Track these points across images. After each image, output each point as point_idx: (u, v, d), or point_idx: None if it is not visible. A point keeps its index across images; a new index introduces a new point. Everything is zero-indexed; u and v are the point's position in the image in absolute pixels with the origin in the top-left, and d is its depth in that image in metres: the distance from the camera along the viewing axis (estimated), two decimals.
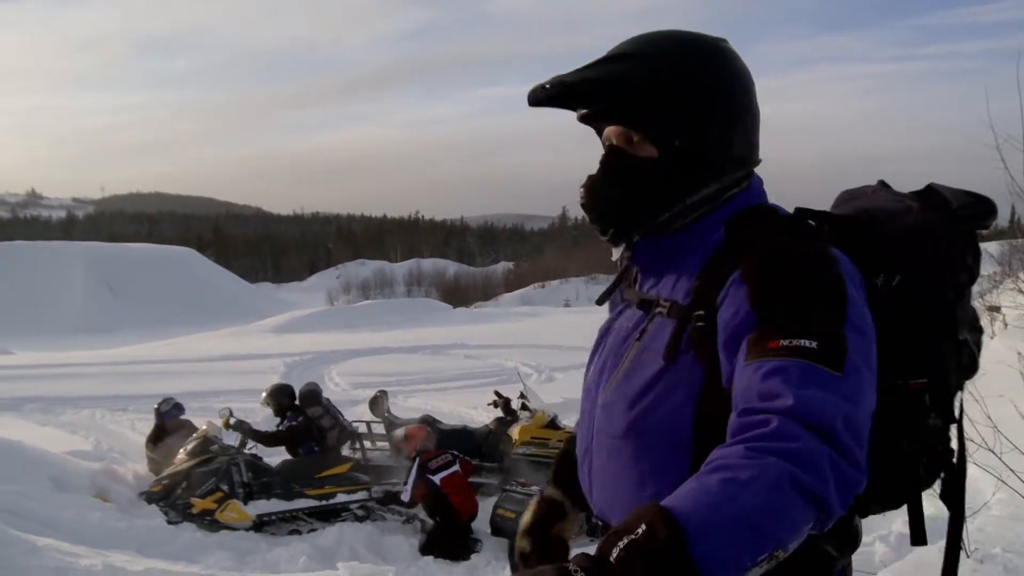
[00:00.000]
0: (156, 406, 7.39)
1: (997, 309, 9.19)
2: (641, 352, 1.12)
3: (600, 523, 1.21)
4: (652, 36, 1.15)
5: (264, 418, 7.45)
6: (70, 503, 5.56)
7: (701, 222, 1.13)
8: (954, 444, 1.17)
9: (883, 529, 4.23)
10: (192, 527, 5.74)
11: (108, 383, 12.07)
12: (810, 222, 1.16)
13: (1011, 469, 3.54)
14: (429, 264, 75.02)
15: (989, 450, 3.50)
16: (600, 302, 1.35)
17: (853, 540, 1.12)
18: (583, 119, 1.18)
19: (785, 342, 0.92)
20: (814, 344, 0.91)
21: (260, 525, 5.93)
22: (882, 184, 1.28)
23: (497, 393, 7.37)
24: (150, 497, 6.05)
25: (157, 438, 7.02)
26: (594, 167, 1.19)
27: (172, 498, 6.00)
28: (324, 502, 6.14)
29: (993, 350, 7.73)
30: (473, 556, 5.47)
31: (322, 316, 25.94)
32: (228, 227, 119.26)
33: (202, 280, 43.53)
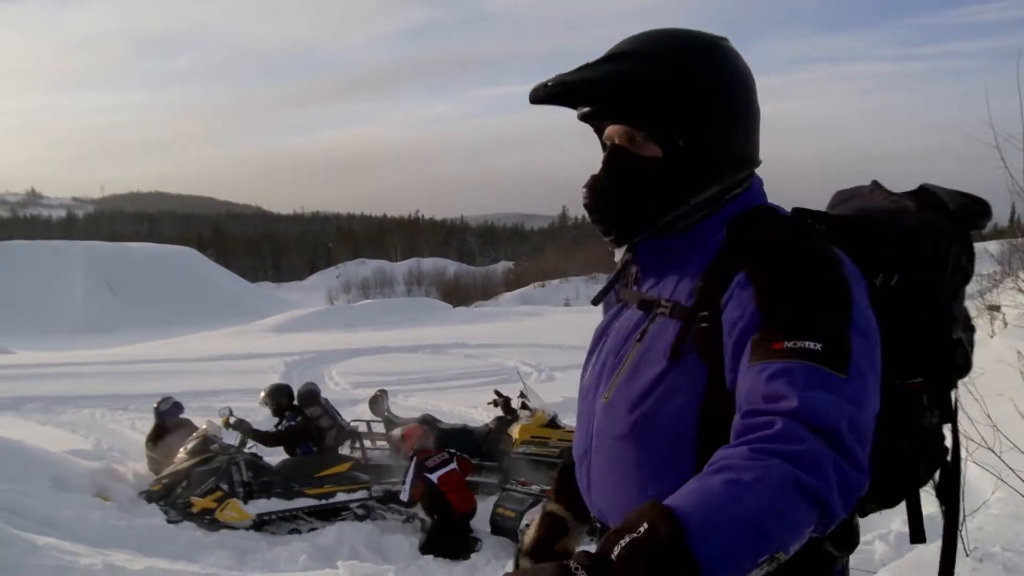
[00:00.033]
0: (155, 405, 7.39)
1: (997, 308, 9.20)
2: (643, 353, 1.11)
3: (599, 525, 1.20)
4: (654, 34, 1.14)
5: (264, 417, 7.45)
6: (70, 502, 5.56)
7: (703, 222, 1.13)
8: (948, 442, 1.17)
9: (883, 528, 4.23)
10: (192, 526, 5.74)
11: (108, 382, 12.07)
12: (809, 222, 1.16)
13: (1010, 468, 3.54)
14: (429, 263, 75.02)
15: (989, 449, 3.51)
16: (596, 302, 1.35)
17: (852, 539, 1.12)
18: (584, 117, 1.17)
19: (790, 344, 0.92)
20: (818, 346, 0.91)
21: (260, 524, 5.93)
22: (875, 184, 1.28)
23: (497, 392, 7.37)
24: (150, 496, 6.05)
25: (157, 437, 7.02)
26: (594, 167, 1.18)
27: (172, 497, 6.00)
28: (324, 501, 6.15)
29: (993, 349, 7.73)
30: (473, 555, 5.47)
31: (322, 315, 25.94)
32: (228, 226, 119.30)
33: (202, 279, 43.53)
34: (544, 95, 1.12)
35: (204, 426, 6.64)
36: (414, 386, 11.70)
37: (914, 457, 1.12)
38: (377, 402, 7.50)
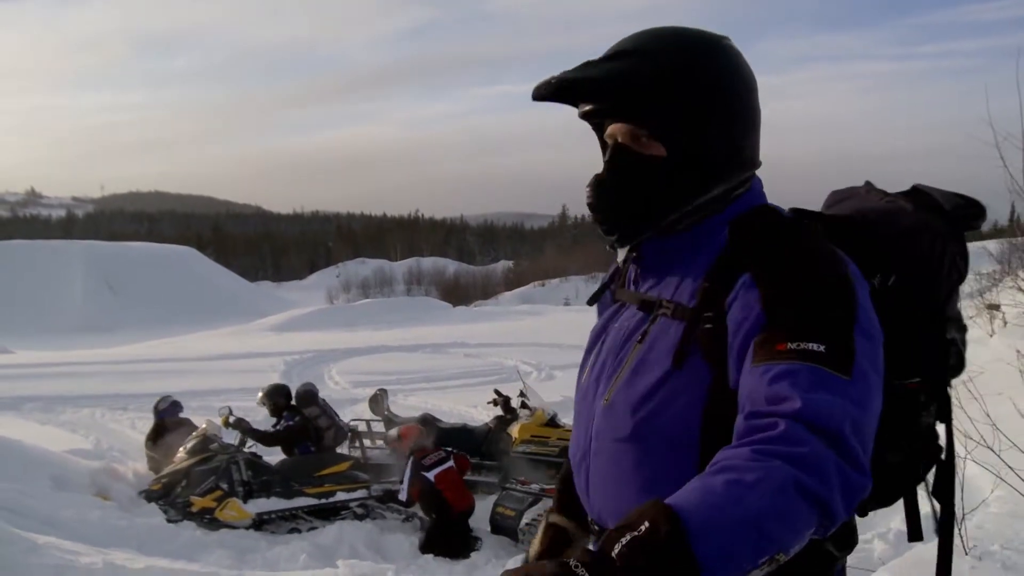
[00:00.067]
0: (154, 404, 7.40)
1: (996, 307, 9.20)
2: (645, 354, 1.10)
3: (597, 527, 1.20)
4: (657, 32, 1.13)
5: (264, 417, 7.45)
6: (70, 501, 5.57)
7: (706, 223, 1.12)
8: (942, 441, 1.18)
9: (882, 527, 4.24)
10: (192, 525, 5.74)
11: (108, 382, 12.08)
12: (809, 223, 1.16)
13: (1010, 466, 3.54)
14: (429, 263, 75.05)
15: (988, 447, 3.51)
16: (592, 302, 1.34)
17: (851, 539, 1.13)
18: (586, 115, 1.16)
19: (793, 345, 0.92)
20: (822, 348, 0.91)
21: (260, 523, 5.93)
22: (869, 185, 1.29)
23: (497, 391, 7.37)
24: (149, 495, 6.05)
25: (156, 436, 7.02)
26: (594, 166, 1.18)
27: (172, 496, 6.00)
28: (323, 500, 6.15)
29: (992, 348, 7.73)
30: (473, 554, 5.47)
31: (322, 315, 25.94)
32: (228, 226, 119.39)
33: (202, 279, 43.54)
34: (547, 92, 1.11)
35: (204, 425, 6.64)
36: (414, 385, 11.70)
37: (912, 456, 1.13)
38: (377, 401, 7.51)
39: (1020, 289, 8.16)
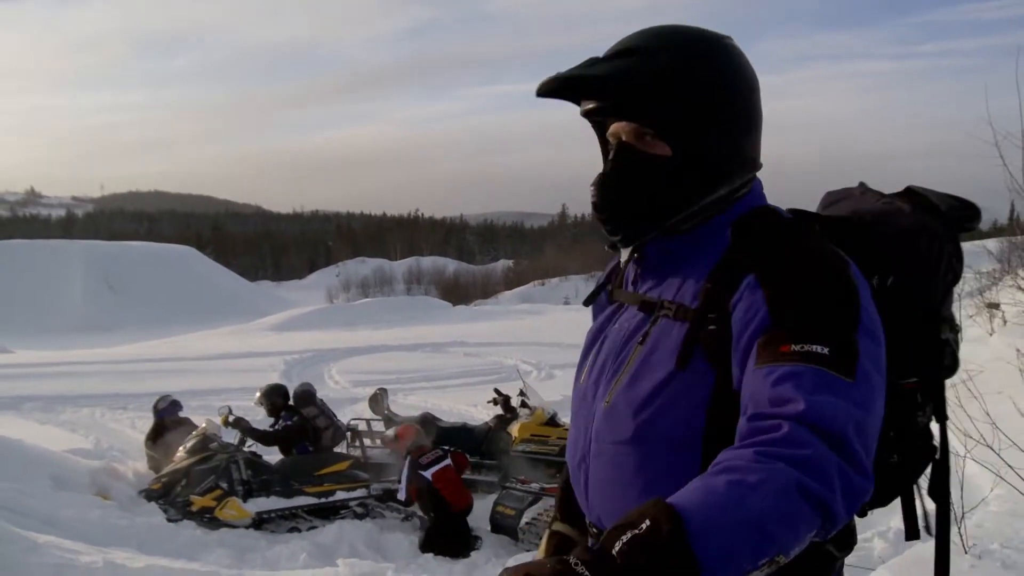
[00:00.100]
0: (154, 404, 7.40)
1: (996, 306, 9.20)
2: (646, 356, 1.09)
3: (596, 530, 1.19)
4: (662, 31, 1.12)
5: (263, 416, 7.46)
6: (70, 501, 5.57)
7: (709, 224, 1.12)
8: (937, 440, 1.18)
9: (881, 525, 4.24)
10: (192, 525, 5.74)
11: (108, 381, 12.08)
12: (811, 224, 1.16)
13: (1009, 465, 3.55)
14: (429, 262, 75.00)
15: (988, 446, 3.51)
16: (588, 303, 1.33)
17: (851, 540, 1.13)
18: (588, 113, 1.15)
19: (797, 347, 0.92)
20: (826, 350, 0.91)
21: (259, 523, 5.93)
22: (864, 186, 1.29)
23: (497, 391, 7.38)
24: (149, 495, 6.05)
25: (156, 435, 7.02)
26: (594, 165, 1.17)
27: (171, 496, 6.00)
28: (323, 500, 6.15)
29: (992, 347, 7.74)
30: (473, 553, 5.47)
31: (322, 314, 25.95)
32: (228, 225, 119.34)
33: (202, 278, 43.51)
34: (551, 88, 1.11)
35: (203, 425, 6.65)
36: (414, 384, 11.71)
37: (909, 456, 1.13)
38: (377, 401, 7.51)
39: (1020, 288, 8.16)
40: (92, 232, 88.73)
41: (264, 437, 6.74)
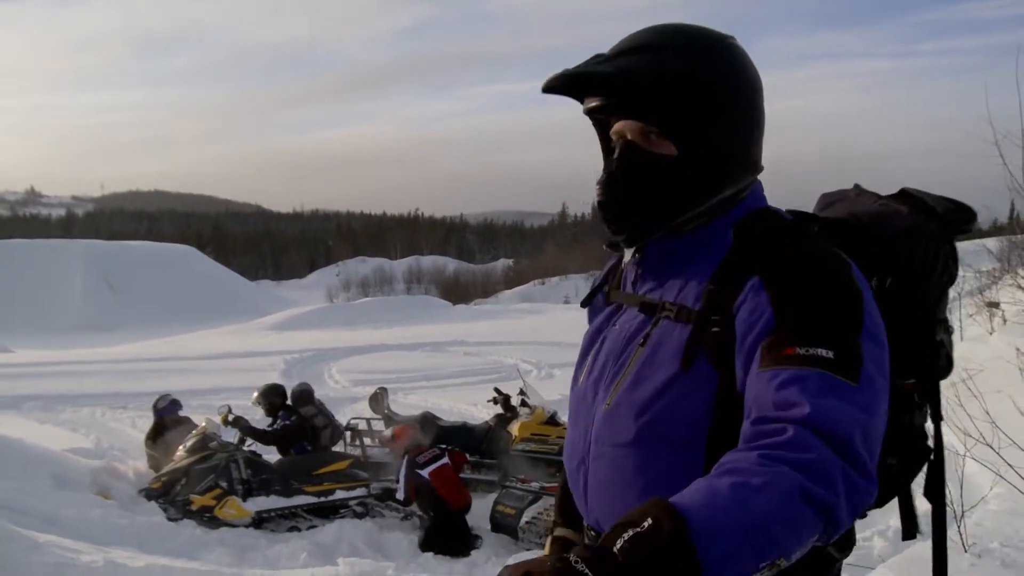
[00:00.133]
0: (154, 403, 7.41)
1: (996, 305, 9.21)
2: (648, 358, 1.09)
3: (594, 534, 1.18)
4: (668, 29, 1.12)
5: (263, 416, 7.47)
6: (71, 500, 5.57)
7: (712, 225, 1.12)
8: (931, 441, 1.18)
9: (881, 524, 4.25)
10: (193, 524, 5.75)
11: (108, 381, 12.08)
12: (812, 227, 1.16)
13: (1009, 464, 3.55)
14: (429, 261, 75.00)
15: (987, 445, 3.52)
16: (585, 304, 1.32)
17: (851, 541, 1.13)
18: (592, 111, 1.14)
19: (802, 350, 0.92)
20: (830, 354, 0.91)
21: (259, 522, 5.93)
22: (858, 187, 1.29)
23: (497, 390, 7.39)
24: (149, 494, 6.06)
25: (156, 435, 7.03)
26: (595, 164, 1.17)
27: (171, 495, 6.01)
28: (323, 499, 6.16)
29: (992, 346, 7.75)
30: (473, 552, 5.48)
31: (322, 313, 25.96)
32: (228, 225, 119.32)
33: (202, 278, 43.50)
34: (557, 84, 1.10)
35: (203, 424, 6.65)
36: (414, 384, 11.71)
37: (906, 457, 1.14)
38: (377, 400, 7.52)
39: (1020, 287, 8.16)
40: (92, 232, 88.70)
41: (262, 436, 6.75)
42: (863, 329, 0.94)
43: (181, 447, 6.43)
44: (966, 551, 3.35)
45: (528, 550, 5.31)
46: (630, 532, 0.76)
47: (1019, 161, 5.80)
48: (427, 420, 7.02)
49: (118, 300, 37.91)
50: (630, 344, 1.13)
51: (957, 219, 1.17)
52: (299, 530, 5.97)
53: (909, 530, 1.19)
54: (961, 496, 3.34)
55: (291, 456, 6.70)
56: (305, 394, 7.11)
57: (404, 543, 5.63)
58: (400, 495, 5.71)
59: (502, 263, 78.81)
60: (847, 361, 0.91)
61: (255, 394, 7.13)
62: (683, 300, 1.09)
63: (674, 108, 1.08)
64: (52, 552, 3.90)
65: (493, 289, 57.19)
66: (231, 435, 6.70)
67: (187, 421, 7.16)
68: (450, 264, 75.28)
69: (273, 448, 6.86)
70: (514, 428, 6.81)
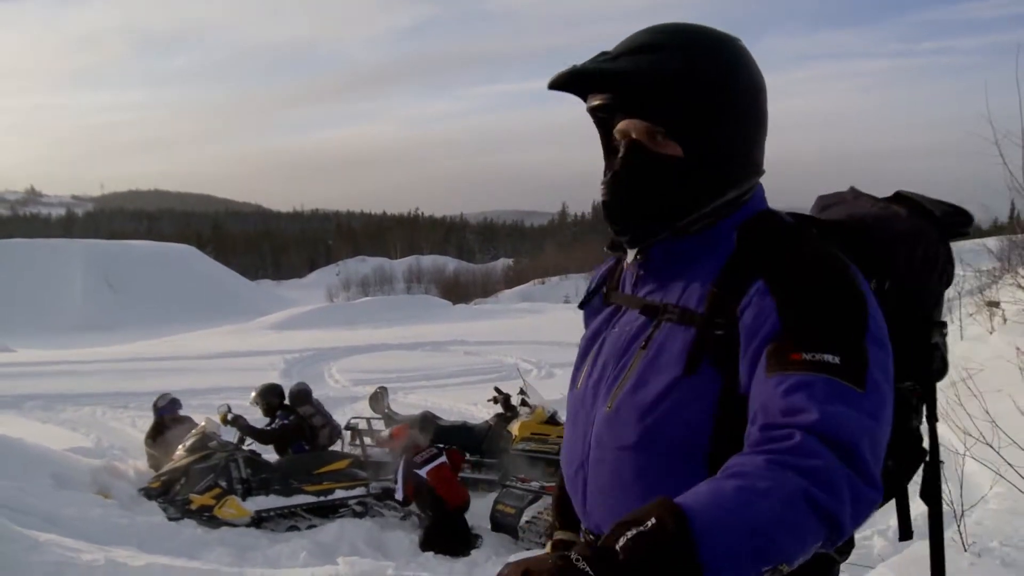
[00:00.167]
0: (154, 402, 7.41)
1: (996, 304, 9.20)
2: (650, 360, 1.08)
3: (592, 537, 1.17)
4: (676, 29, 1.11)
5: (262, 415, 7.47)
6: (71, 500, 5.57)
7: (716, 227, 1.11)
8: (927, 443, 1.19)
9: (881, 524, 4.25)
10: (193, 523, 5.75)
11: (108, 380, 12.08)
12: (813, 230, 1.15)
13: (1009, 463, 3.55)
14: (429, 261, 75.01)
15: (987, 444, 3.52)
16: (583, 305, 1.31)
17: (851, 543, 1.13)
18: (595, 110, 1.13)
19: (808, 356, 0.91)
20: (837, 359, 0.91)
21: (259, 521, 5.94)
22: (855, 190, 1.29)
23: (497, 389, 7.39)
24: (148, 493, 6.06)
25: (156, 434, 7.04)
26: (595, 163, 1.16)
27: (171, 494, 6.01)
28: (322, 498, 6.16)
29: (992, 345, 7.74)
30: (473, 552, 5.48)
31: (322, 313, 25.94)
32: (228, 224, 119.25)
33: (202, 277, 43.49)
34: (563, 81, 1.09)
35: (203, 423, 6.65)
36: (414, 383, 11.71)
37: (905, 459, 1.14)
38: (377, 399, 7.52)
39: (1020, 286, 8.16)
40: (92, 231, 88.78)
41: (261, 435, 6.75)
42: (868, 333, 0.94)
43: (181, 446, 6.43)
44: (966, 550, 3.36)
45: (528, 549, 5.32)
46: (633, 531, 0.76)
47: (1019, 160, 5.81)
48: (427, 419, 7.02)
49: (118, 300, 37.90)
50: (631, 347, 1.12)
51: (955, 222, 1.17)
52: (298, 529, 5.97)
53: (905, 531, 1.19)
54: (961, 495, 3.35)
55: (290, 455, 6.70)
56: (303, 394, 7.12)
57: (404, 542, 5.63)
58: (398, 495, 5.72)
59: (502, 263, 78.81)
60: (853, 367, 0.91)
61: (253, 394, 7.13)
62: (686, 303, 1.08)
63: (682, 109, 1.07)
64: (52, 551, 3.90)
65: (493, 288, 57.19)
66: (231, 434, 6.70)
67: (187, 420, 7.16)
68: (450, 264, 75.27)
69: (272, 448, 6.87)
70: (514, 427, 6.81)
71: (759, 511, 0.78)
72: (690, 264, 1.11)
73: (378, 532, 5.81)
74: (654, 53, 1.07)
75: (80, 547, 4.13)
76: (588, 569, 0.74)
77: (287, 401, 7.03)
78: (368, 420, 7.69)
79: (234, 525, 5.81)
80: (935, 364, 1.17)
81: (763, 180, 1.19)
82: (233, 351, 16.15)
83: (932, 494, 1.18)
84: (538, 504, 5.46)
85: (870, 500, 0.85)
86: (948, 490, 3.27)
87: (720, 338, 1.02)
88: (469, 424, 7.43)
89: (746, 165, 1.13)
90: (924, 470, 1.17)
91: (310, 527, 5.97)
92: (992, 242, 10.82)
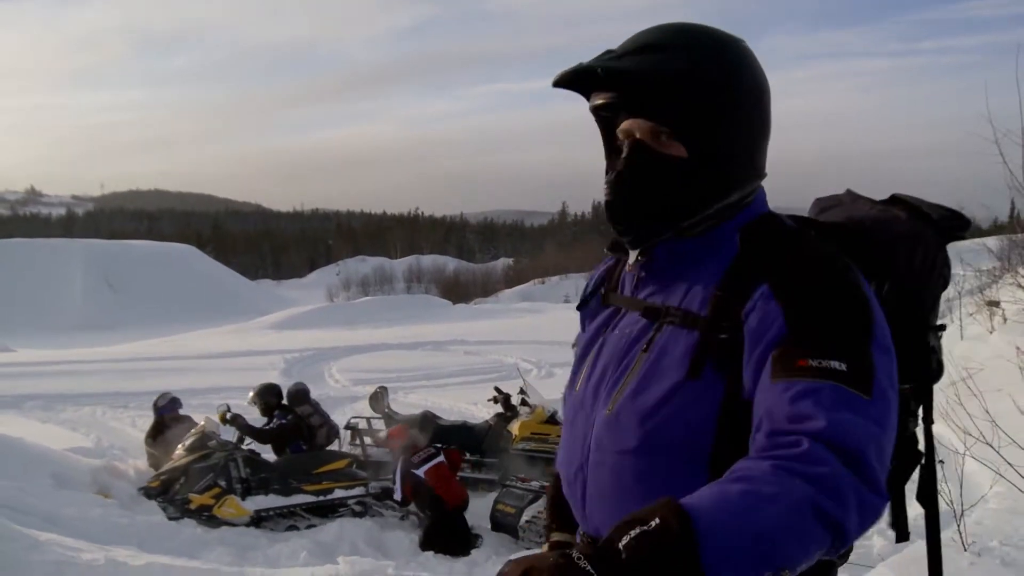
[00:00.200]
0: (154, 401, 7.42)
1: (996, 304, 9.19)
2: (652, 363, 1.07)
3: (591, 540, 1.17)
4: (681, 29, 1.10)
5: (260, 415, 7.47)
6: (71, 499, 5.58)
7: (718, 229, 1.11)
8: (922, 446, 1.19)
9: (881, 524, 4.23)
10: (193, 523, 5.75)
11: (108, 380, 12.09)
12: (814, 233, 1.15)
13: (1009, 463, 3.56)
14: (429, 260, 75.01)
15: (987, 444, 3.52)
16: (581, 307, 1.30)
17: (850, 547, 1.13)
18: (598, 108, 1.12)
19: (814, 362, 0.91)
20: (843, 366, 0.90)
21: (258, 521, 5.94)
22: (851, 193, 1.29)
23: (497, 389, 7.39)
24: (148, 493, 6.06)
25: (156, 433, 7.04)
26: (595, 163, 1.16)
27: (170, 494, 6.01)
28: (322, 498, 6.16)
29: (992, 345, 7.74)
30: (473, 551, 5.48)
31: (322, 313, 25.95)
32: (228, 224, 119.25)
33: (202, 277, 43.51)
34: (567, 78, 1.09)
35: (203, 422, 6.65)
36: (414, 383, 11.72)
37: (901, 461, 1.14)
38: (377, 399, 7.52)
39: (1020, 286, 8.15)
40: (92, 231, 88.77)
41: (259, 435, 6.75)
42: (874, 340, 0.94)
43: (180, 446, 6.43)
44: (966, 550, 3.35)
45: (528, 549, 5.32)
46: (637, 530, 0.76)
47: (1019, 160, 5.80)
48: (427, 419, 7.02)
49: (118, 299, 37.91)
50: (632, 349, 1.11)
51: (952, 226, 1.17)
52: (298, 529, 5.98)
53: (901, 532, 1.19)
54: (961, 495, 3.34)
55: (289, 455, 6.71)
56: (301, 393, 7.12)
57: (404, 542, 5.64)
58: (397, 495, 5.72)
59: (502, 262, 78.81)
60: (860, 374, 0.90)
61: (251, 394, 7.14)
62: (688, 305, 1.07)
63: (687, 109, 1.06)
64: (53, 551, 3.90)
65: (493, 288, 57.19)
66: (230, 434, 6.71)
67: (187, 420, 7.16)
68: (450, 263, 75.27)
69: (270, 447, 6.87)
70: (514, 427, 6.81)
71: (764, 516, 0.78)
72: (692, 266, 1.10)
73: (378, 532, 5.81)
74: (659, 53, 1.06)
75: (80, 546, 4.14)
76: (589, 568, 0.74)
77: (285, 401, 7.03)
78: (368, 420, 7.69)
79: (233, 524, 5.81)
80: (931, 366, 1.17)
81: (763, 181, 1.18)
82: (233, 351, 16.16)
83: (928, 496, 1.18)
84: (538, 504, 5.46)
85: (876, 508, 0.85)
86: (948, 490, 3.28)
87: (723, 342, 1.01)
88: (469, 424, 7.44)
89: (749, 167, 1.12)
90: (920, 472, 1.18)
91: (309, 527, 5.98)
92: (992, 241, 10.80)
